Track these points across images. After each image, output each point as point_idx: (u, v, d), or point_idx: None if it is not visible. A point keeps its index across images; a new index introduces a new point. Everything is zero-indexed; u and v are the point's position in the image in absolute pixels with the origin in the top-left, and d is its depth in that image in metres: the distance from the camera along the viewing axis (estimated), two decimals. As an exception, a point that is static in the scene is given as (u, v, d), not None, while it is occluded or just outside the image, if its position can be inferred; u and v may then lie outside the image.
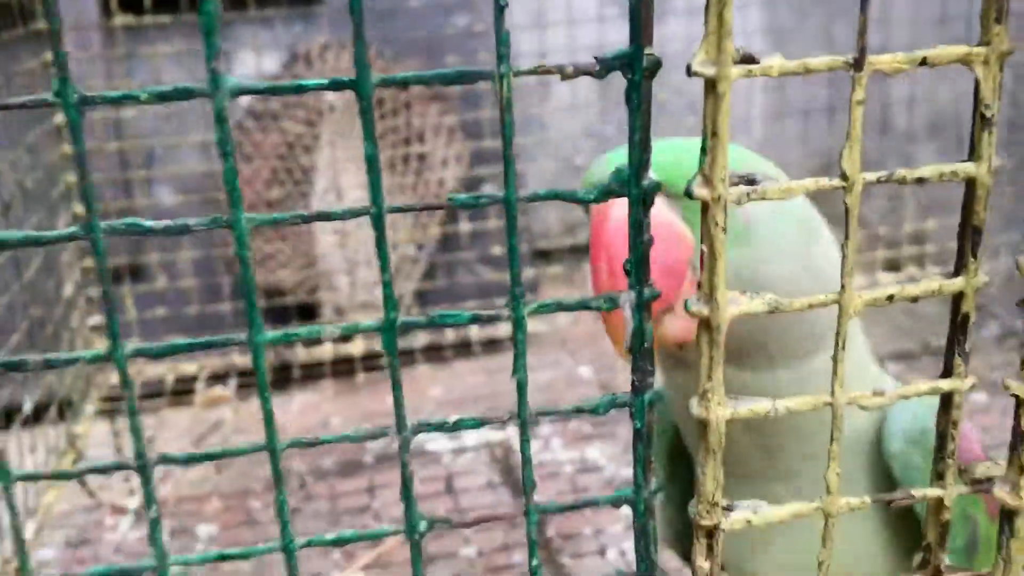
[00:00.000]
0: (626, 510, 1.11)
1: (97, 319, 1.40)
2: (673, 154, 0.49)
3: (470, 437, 1.30)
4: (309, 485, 1.16)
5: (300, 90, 0.31)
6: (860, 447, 0.55)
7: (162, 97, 0.31)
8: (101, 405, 1.37)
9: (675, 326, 0.50)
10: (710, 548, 0.37)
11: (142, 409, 1.35)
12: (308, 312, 1.61)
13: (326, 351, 1.51)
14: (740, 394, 0.47)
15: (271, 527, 1.11)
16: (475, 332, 1.61)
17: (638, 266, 0.34)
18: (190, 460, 0.35)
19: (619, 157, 0.51)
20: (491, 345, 1.61)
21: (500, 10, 0.30)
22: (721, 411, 0.34)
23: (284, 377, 1.48)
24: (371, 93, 0.30)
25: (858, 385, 0.54)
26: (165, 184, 1.56)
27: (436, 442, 1.30)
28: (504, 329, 1.63)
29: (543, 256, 1.95)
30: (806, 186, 0.33)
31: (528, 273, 1.66)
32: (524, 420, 0.36)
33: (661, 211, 0.49)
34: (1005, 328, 1.47)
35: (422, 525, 0.37)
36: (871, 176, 0.33)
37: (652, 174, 0.33)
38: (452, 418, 0.38)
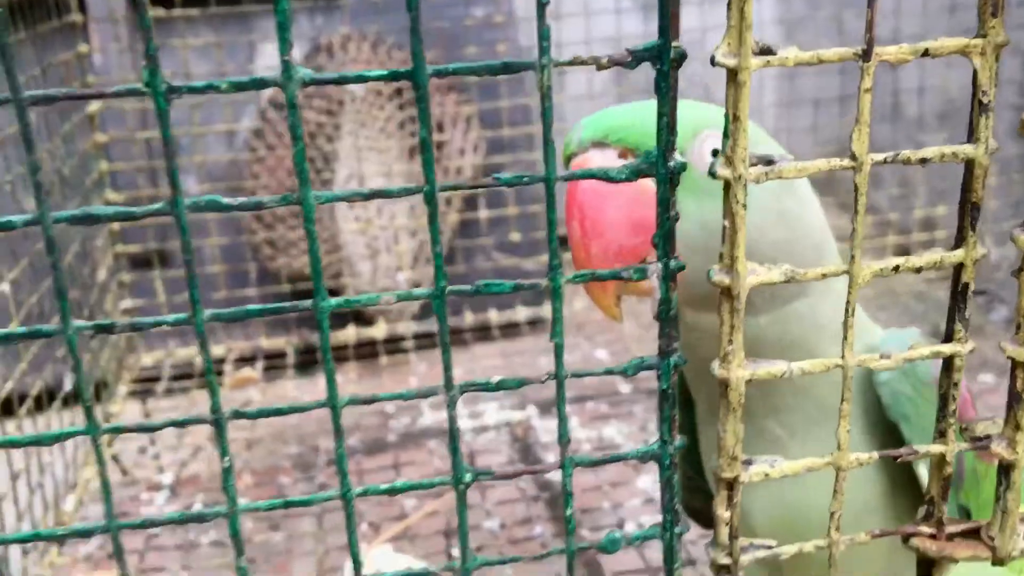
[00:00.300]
0: (643, 484, 1.15)
1: (128, 303, 1.44)
2: (642, 116, 0.52)
3: (491, 416, 1.34)
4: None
5: (362, 79, 0.34)
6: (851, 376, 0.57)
7: (239, 87, 0.34)
8: (132, 387, 1.41)
9: (653, 279, 0.53)
10: (730, 499, 0.40)
11: (173, 390, 1.39)
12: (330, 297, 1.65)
13: (349, 335, 1.55)
14: (717, 337, 0.51)
15: (301, 502, 1.15)
16: (494, 317, 1.64)
17: (665, 240, 0.37)
18: (259, 415, 0.39)
19: (593, 122, 0.53)
20: (509, 329, 1.65)
21: (542, 7, 0.33)
22: (741, 372, 0.38)
23: (309, 360, 1.52)
24: (427, 82, 0.34)
25: (862, 335, 0.56)
26: (191, 174, 1.60)
27: (458, 422, 1.34)
28: (522, 314, 1.66)
29: (561, 243, 1.98)
30: (819, 166, 0.36)
31: (542, 258, 1.69)
32: (561, 379, 0.39)
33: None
34: (1013, 312, 1.50)
35: (467, 476, 0.41)
36: (878, 157, 0.36)
37: (677, 155, 0.37)
38: (495, 379, 0.41)
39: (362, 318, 1.61)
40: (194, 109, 1.57)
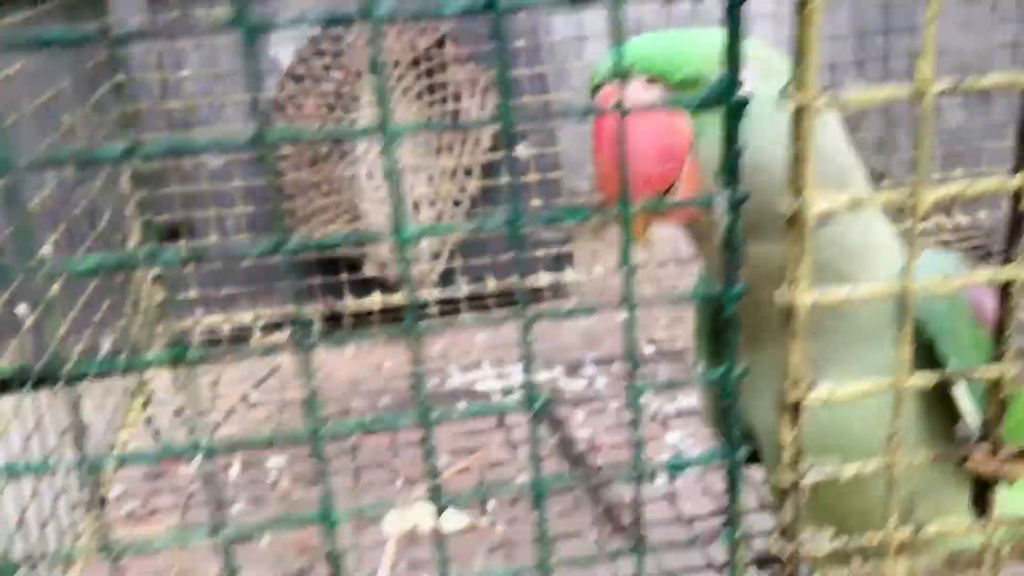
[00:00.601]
0: (672, 440, 1.17)
1: (156, 271, 1.46)
2: (669, 45, 0.54)
3: (518, 377, 1.36)
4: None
5: (439, 14, 0.36)
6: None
7: (328, 22, 0.35)
8: (165, 351, 1.44)
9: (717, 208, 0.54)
10: (793, 421, 0.42)
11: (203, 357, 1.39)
12: (354, 265, 1.67)
13: (375, 301, 1.57)
14: (750, 262, 0.52)
15: (338, 459, 1.17)
16: (516, 283, 1.66)
17: (731, 169, 0.39)
18: (341, 342, 0.40)
19: (620, 52, 0.54)
20: (532, 295, 1.66)
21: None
22: (806, 298, 0.39)
23: (335, 327, 1.54)
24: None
25: (893, 259, 0.58)
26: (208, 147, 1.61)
27: (485, 383, 1.36)
28: (543, 280, 1.68)
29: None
30: (883, 94, 0.38)
31: (564, 225, 1.71)
32: (632, 305, 0.41)
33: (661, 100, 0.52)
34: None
35: (538, 401, 0.42)
36: (941, 85, 0.37)
37: (743, 88, 0.38)
38: (566, 307, 0.43)
39: (386, 286, 1.63)
40: (216, 80, 1.58)
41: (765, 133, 0.54)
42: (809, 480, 0.42)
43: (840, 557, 0.67)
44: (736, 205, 0.39)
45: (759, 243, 0.55)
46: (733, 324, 0.41)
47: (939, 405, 0.59)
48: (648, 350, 1.42)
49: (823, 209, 0.37)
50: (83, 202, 1.06)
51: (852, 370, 0.58)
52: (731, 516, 0.45)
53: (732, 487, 0.45)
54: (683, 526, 1.00)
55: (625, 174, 0.53)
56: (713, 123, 0.53)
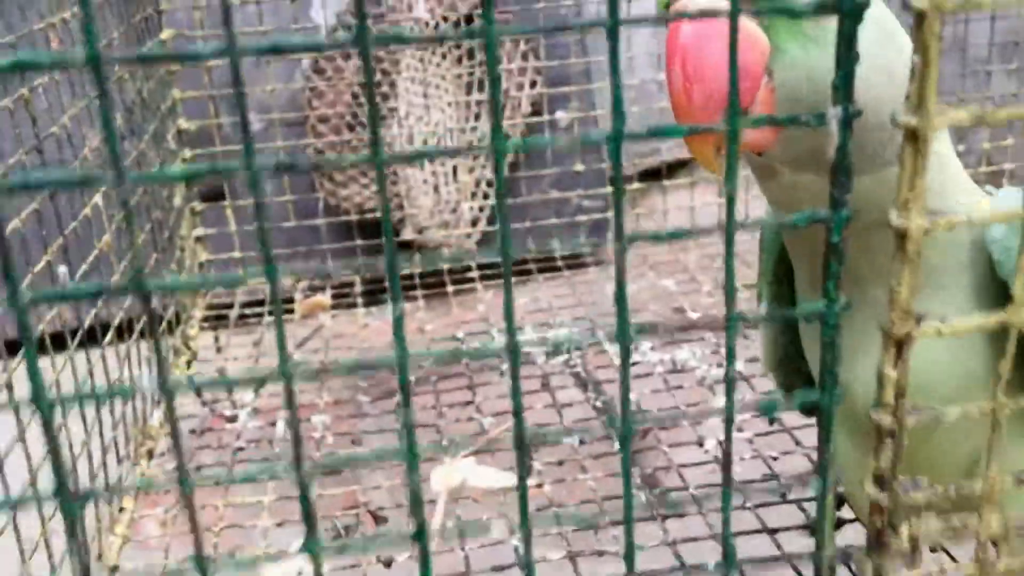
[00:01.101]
0: (720, 403, 1.15)
1: (200, 231, 1.46)
2: None
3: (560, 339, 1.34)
4: (413, 385, 1.22)
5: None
6: (963, 238, 0.56)
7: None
8: (205, 312, 1.43)
9: (752, 132, 0.51)
10: (899, 355, 0.39)
11: (246, 317, 1.39)
12: (392, 230, 1.66)
13: (415, 267, 1.56)
14: (817, 198, 0.49)
15: (380, 419, 1.16)
16: (558, 249, 1.64)
17: (846, 82, 0.36)
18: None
19: None
20: (572, 260, 1.64)
21: None
22: (920, 221, 0.37)
23: (377, 289, 1.53)
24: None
25: (963, 196, 0.56)
26: (250, 107, 1.60)
27: (529, 346, 1.34)
28: (585, 247, 1.65)
29: (612, 182, 1.97)
30: None
31: (602, 191, 1.68)
32: (730, 232, 0.39)
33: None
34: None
35: (633, 334, 0.40)
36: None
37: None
38: (666, 229, 0.41)
39: (426, 249, 1.62)
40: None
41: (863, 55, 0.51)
42: (911, 422, 0.40)
43: (927, 508, 0.65)
44: (849, 121, 0.37)
45: (823, 175, 0.52)
46: (838, 252, 0.39)
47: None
48: (693, 316, 1.40)
49: (949, 120, 0.35)
50: (130, 157, 1.05)
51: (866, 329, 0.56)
52: (822, 462, 0.43)
53: (825, 428, 0.43)
54: (734, 491, 0.99)
55: (721, 88, 0.50)
56: (793, 41, 0.51)
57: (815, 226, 0.63)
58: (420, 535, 0.36)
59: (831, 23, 0.51)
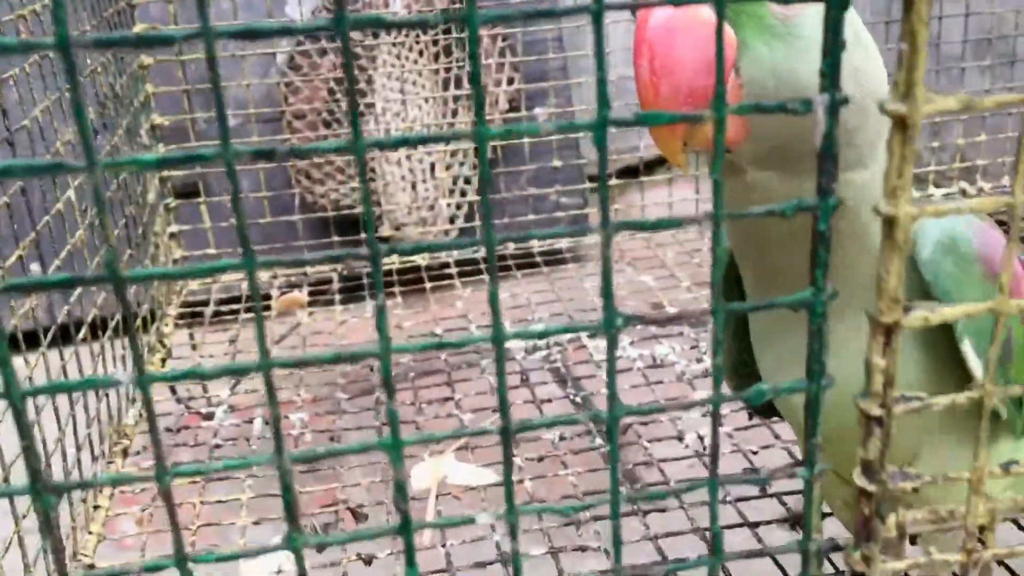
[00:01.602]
0: (700, 395, 1.15)
1: (175, 227, 1.44)
2: None
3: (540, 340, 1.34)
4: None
5: None
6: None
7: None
8: (180, 310, 1.41)
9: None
10: (887, 345, 0.39)
11: (221, 314, 1.38)
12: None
13: (393, 262, 1.55)
14: (772, 199, 0.49)
15: (359, 416, 1.15)
16: (536, 245, 1.64)
17: (832, 69, 0.36)
18: (417, 250, 0.38)
19: None
20: (551, 256, 1.64)
21: None
22: (908, 209, 0.37)
23: (355, 286, 1.52)
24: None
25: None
26: (227, 103, 1.58)
27: (510, 342, 1.34)
28: (564, 242, 1.65)
29: (591, 179, 1.97)
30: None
31: (580, 187, 1.68)
32: (718, 218, 0.38)
33: (703, 10, 0.49)
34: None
35: (619, 321, 0.40)
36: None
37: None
38: (655, 216, 0.40)
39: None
40: (230, 39, 1.55)
41: (800, 48, 0.51)
42: (899, 410, 0.40)
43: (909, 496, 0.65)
44: (835, 108, 0.36)
45: (786, 175, 0.52)
46: (825, 240, 0.39)
47: (953, 363, 0.57)
48: (672, 310, 1.40)
49: (935, 109, 0.35)
50: (103, 151, 1.04)
51: (852, 324, 0.57)
52: (809, 451, 0.42)
53: (812, 417, 0.43)
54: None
55: (688, 82, 0.50)
56: (759, 39, 0.50)
57: (762, 230, 0.63)
58: (406, 528, 0.36)
59: (797, 21, 0.51)
